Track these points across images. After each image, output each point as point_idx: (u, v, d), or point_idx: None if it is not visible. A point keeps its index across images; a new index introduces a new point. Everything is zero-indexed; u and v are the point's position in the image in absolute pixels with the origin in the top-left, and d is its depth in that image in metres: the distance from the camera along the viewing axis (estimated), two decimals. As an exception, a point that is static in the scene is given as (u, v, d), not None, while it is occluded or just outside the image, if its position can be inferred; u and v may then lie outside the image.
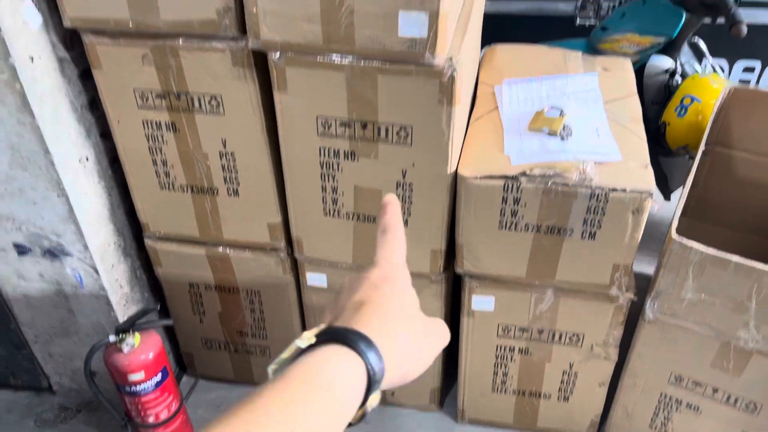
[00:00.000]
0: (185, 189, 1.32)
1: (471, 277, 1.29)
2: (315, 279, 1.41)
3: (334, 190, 1.23)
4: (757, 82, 2.41)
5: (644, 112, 1.83)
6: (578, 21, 2.35)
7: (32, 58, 1.10)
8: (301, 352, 0.43)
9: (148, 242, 1.44)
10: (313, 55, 1.06)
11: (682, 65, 1.76)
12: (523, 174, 1.11)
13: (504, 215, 1.17)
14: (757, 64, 2.39)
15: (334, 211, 1.26)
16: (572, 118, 1.21)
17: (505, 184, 1.13)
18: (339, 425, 0.42)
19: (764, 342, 1.13)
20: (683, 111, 1.69)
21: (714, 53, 2.41)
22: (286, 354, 0.44)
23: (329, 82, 1.09)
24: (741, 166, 1.67)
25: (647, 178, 1.11)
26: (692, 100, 1.68)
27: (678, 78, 1.73)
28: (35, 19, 1.10)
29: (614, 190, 1.09)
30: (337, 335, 0.44)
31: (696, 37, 1.79)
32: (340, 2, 0.99)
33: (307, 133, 1.17)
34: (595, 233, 1.15)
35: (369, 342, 0.44)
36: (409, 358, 0.47)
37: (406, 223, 1.24)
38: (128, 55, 1.15)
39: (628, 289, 1.22)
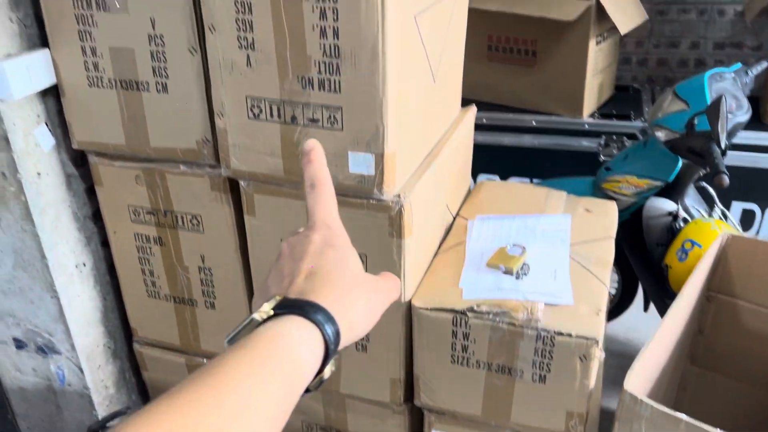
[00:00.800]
0: (169, 299, 1.40)
1: (430, 411, 1.27)
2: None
3: (299, 310, 1.27)
4: (791, 229, 2.33)
5: (648, 253, 1.81)
6: (601, 158, 2.38)
7: (39, 174, 1.25)
8: (258, 325, 0.46)
9: (136, 346, 1.52)
10: (277, 185, 1.15)
11: (687, 209, 1.74)
12: (471, 309, 1.12)
13: (455, 349, 1.16)
14: (790, 210, 2.32)
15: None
16: (533, 258, 1.22)
17: (454, 318, 1.14)
18: (297, 390, 0.45)
19: None
20: (684, 255, 1.65)
21: (744, 198, 2.37)
22: (242, 327, 0.46)
23: (291, 209, 1.17)
24: (746, 315, 1.59)
25: (597, 325, 1.09)
26: (693, 244, 1.64)
27: (681, 222, 1.71)
28: (48, 141, 1.26)
29: (560, 333, 1.08)
30: (293, 308, 0.47)
31: (703, 182, 1.78)
32: (297, 140, 1.08)
33: (274, 255, 1.23)
34: (545, 377, 1.12)
35: (325, 313, 0.47)
36: (358, 320, 0.50)
37: (365, 348, 1.26)
38: (124, 175, 1.28)
39: (587, 439, 1.17)
